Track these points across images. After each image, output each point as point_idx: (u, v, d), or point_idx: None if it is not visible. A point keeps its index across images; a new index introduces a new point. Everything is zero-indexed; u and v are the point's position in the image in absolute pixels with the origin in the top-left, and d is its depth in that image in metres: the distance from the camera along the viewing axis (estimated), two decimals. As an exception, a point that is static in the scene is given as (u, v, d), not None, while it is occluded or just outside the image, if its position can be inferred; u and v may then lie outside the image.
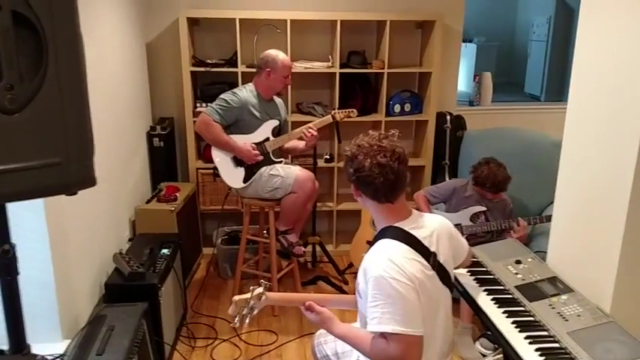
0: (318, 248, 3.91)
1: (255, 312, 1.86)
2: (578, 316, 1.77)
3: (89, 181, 1.19)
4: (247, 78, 3.34)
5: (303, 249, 3.35)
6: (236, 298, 1.84)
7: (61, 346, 2.17)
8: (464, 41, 8.00)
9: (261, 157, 3.10)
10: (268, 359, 2.92)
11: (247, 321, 1.82)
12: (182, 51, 3.67)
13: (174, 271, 2.88)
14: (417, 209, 3.23)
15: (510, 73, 9.29)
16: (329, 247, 4.00)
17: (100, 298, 2.64)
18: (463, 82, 5.91)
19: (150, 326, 2.45)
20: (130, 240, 3.14)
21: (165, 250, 2.87)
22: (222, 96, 3.07)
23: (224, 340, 3.03)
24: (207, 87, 3.85)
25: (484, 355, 2.86)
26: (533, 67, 8.49)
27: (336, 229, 4.15)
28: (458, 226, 3.14)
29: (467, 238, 3.09)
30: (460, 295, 2.08)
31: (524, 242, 3.12)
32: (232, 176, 3.12)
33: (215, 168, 3.17)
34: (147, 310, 2.41)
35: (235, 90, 3.10)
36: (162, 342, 2.63)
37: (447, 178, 4.02)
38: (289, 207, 3.13)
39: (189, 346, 2.96)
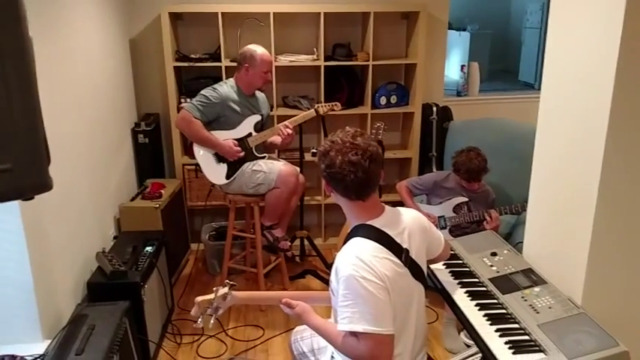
0: (306, 242, 3.91)
1: (220, 312, 1.86)
2: (550, 308, 1.77)
3: (44, 186, 1.18)
4: (231, 72, 3.32)
5: (289, 244, 3.35)
6: (199, 299, 1.84)
7: (41, 347, 2.18)
8: (457, 29, 7.99)
9: (242, 154, 3.10)
10: (254, 354, 2.93)
11: (212, 321, 1.82)
12: (165, 46, 3.66)
13: (158, 269, 2.89)
14: (401, 199, 3.26)
15: (505, 61, 9.23)
16: (318, 241, 4.01)
17: (84, 297, 2.65)
18: (457, 71, 5.87)
19: (133, 324, 2.46)
20: (114, 238, 3.14)
21: (149, 248, 2.88)
22: (202, 92, 3.06)
23: (210, 336, 3.04)
24: (192, 82, 3.84)
25: (468, 346, 2.87)
26: (527, 54, 8.43)
27: (325, 222, 4.15)
28: (441, 217, 3.14)
29: (451, 229, 3.13)
30: (437, 291, 2.08)
31: (503, 232, 3.13)
32: (215, 172, 3.11)
33: (197, 164, 3.17)
34: (129, 308, 2.42)
35: (215, 86, 3.09)
36: (147, 340, 2.64)
37: (434, 170, 4.02)
38: (273, 202, 3.13)
39: (175, 342, 2.98)
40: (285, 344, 2.98)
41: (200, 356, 2.88)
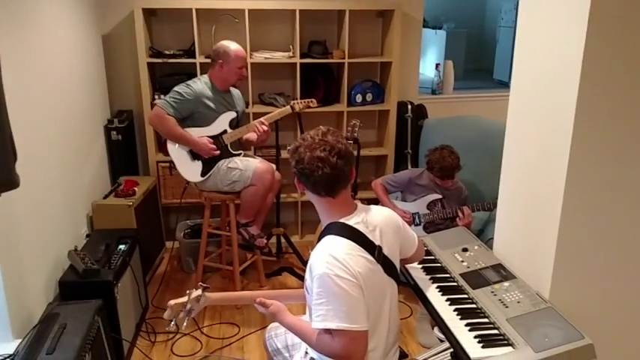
0: (282, 239, 3.91)
1: (194, 314, 1.86)
2: (518, 302, 1.80)
3: (10, 184, 1.18)
4: (206, 69, 3.30)
5: (265, 241, 3.34)
6: (172, 302, 1.84)
7: (11, 346, 2.15)
8: (434, 28, 8.04)
9: (217, 152, 3.08)
10: (229, 352, 2.93)
11: (185, 323, 1.81)
12: (138, 42, 3.61)
13: (131, 267, 2.86)
14: (376, 197, 3.28)
15: (480, 60, 9.35)
16: (295, 238, 4.01)
17: (56, 296, 2.61)
18: (432, 70, 5.91)
19: (106, 323, 2.44)
20: (87, 236, 3.10)
21: (122, 246, 2.85)
22: (176, 88, 3.03)
23: (185, 334, 3.02)
24: (166, 78, 3.81)
25: (442, 341, 2.91)
26: (501, 53, 8.55)
27: (302, 219, 4.16)
28: (416, 214, 3.18)
29: (425, 226, 3.17)
30: (410, 287, 2.11)
31: (475, 229, 3.18)
32: (190, 170, 3.09)
33: (171, 162, 3.14)
34: (101, 306, 2.40)
35: (189, 82, 3.07)
36: (120, 338, 2.62)
37: (410, 167, 4.06)
38: (249, 199, 3.13)
39: (150, 341, 2.95)
40: (261, 342, 2.97)
41: (175, 354, 2.87)
